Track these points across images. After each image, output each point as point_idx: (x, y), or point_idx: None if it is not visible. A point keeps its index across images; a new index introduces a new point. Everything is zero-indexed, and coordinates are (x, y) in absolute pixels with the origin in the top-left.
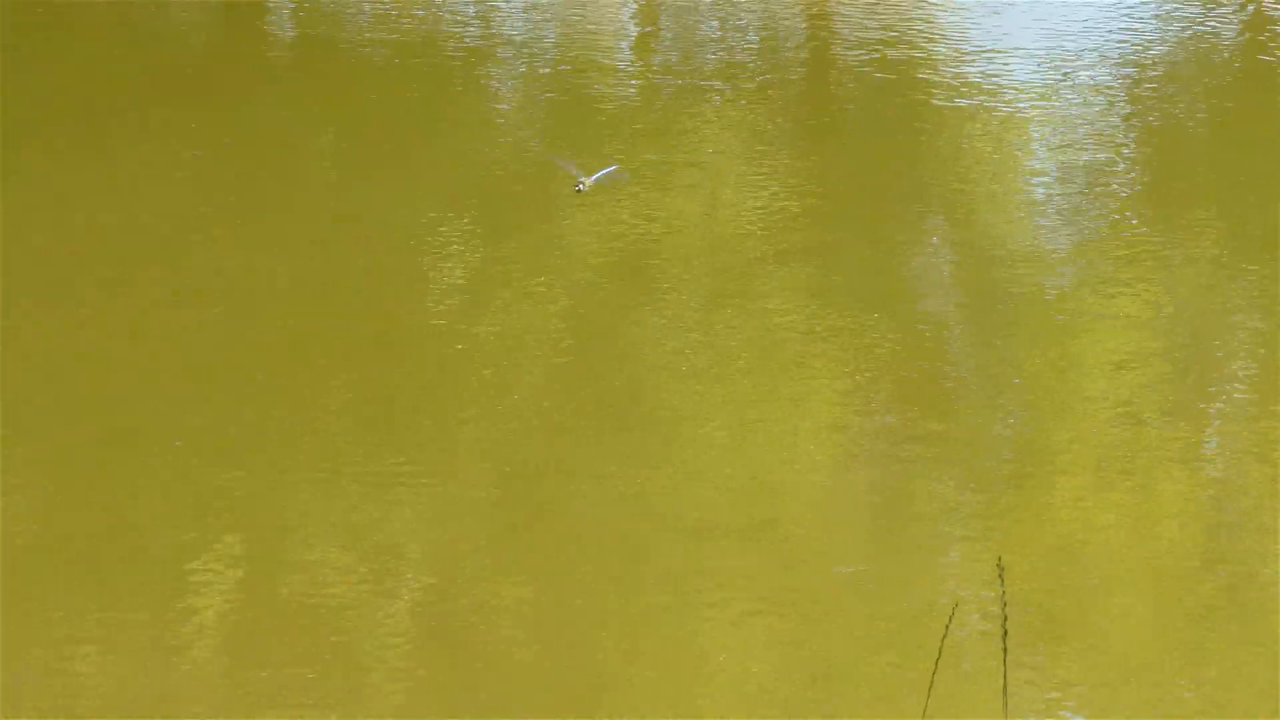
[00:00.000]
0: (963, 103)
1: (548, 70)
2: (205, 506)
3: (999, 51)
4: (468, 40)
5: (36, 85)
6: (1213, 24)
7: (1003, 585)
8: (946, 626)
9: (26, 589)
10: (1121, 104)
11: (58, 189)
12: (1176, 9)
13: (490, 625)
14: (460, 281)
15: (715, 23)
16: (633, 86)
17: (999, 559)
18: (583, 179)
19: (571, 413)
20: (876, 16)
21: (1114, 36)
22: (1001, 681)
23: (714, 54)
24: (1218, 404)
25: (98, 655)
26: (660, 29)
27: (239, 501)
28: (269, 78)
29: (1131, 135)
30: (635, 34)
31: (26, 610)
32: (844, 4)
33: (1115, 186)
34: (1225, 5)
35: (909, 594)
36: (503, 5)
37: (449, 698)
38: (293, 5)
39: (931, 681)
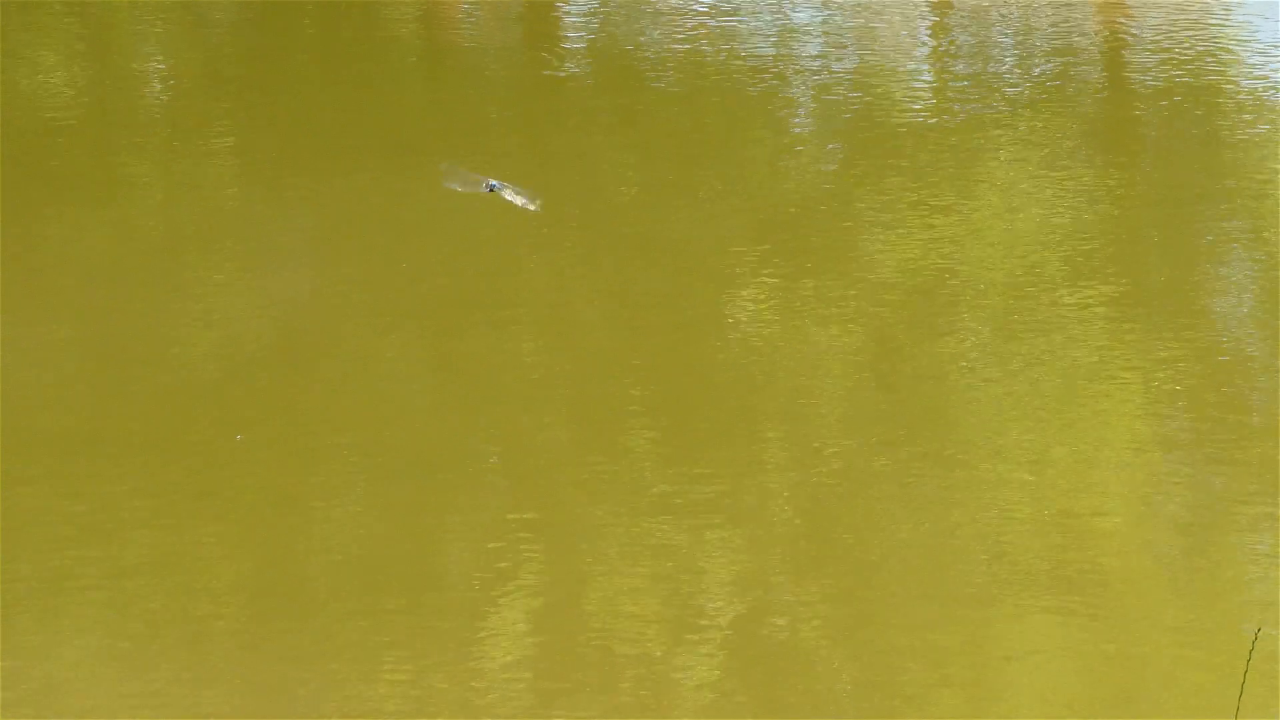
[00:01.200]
0: (1265, 103)
1: (841, 94)
2: (507, 530)
3: None
4: (762, 64)
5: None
6: None
7: None
8: (1251, 647)
9: (335, 603)
10: None
11: (379, 213)
12: None
13: (797, 643)
14: (757, 306)
15: (1007, 39)
16: (926, 106)
17: None
18: (495, 184)
19: (875, 435)
20: (1170, 21)
21: None
22: None
23: (1007, 70)
24: None
25: (401, 666)
26: (953, 51)
27: (540, 525)
28: (566, 102)
29: None
30: (928, 53)
31: (337, 623)
32: (1137, 14)
33: None
34: None
35: (1217, 609)
36: (798, 32)
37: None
38: (589, 36)
39: (1240, 692)
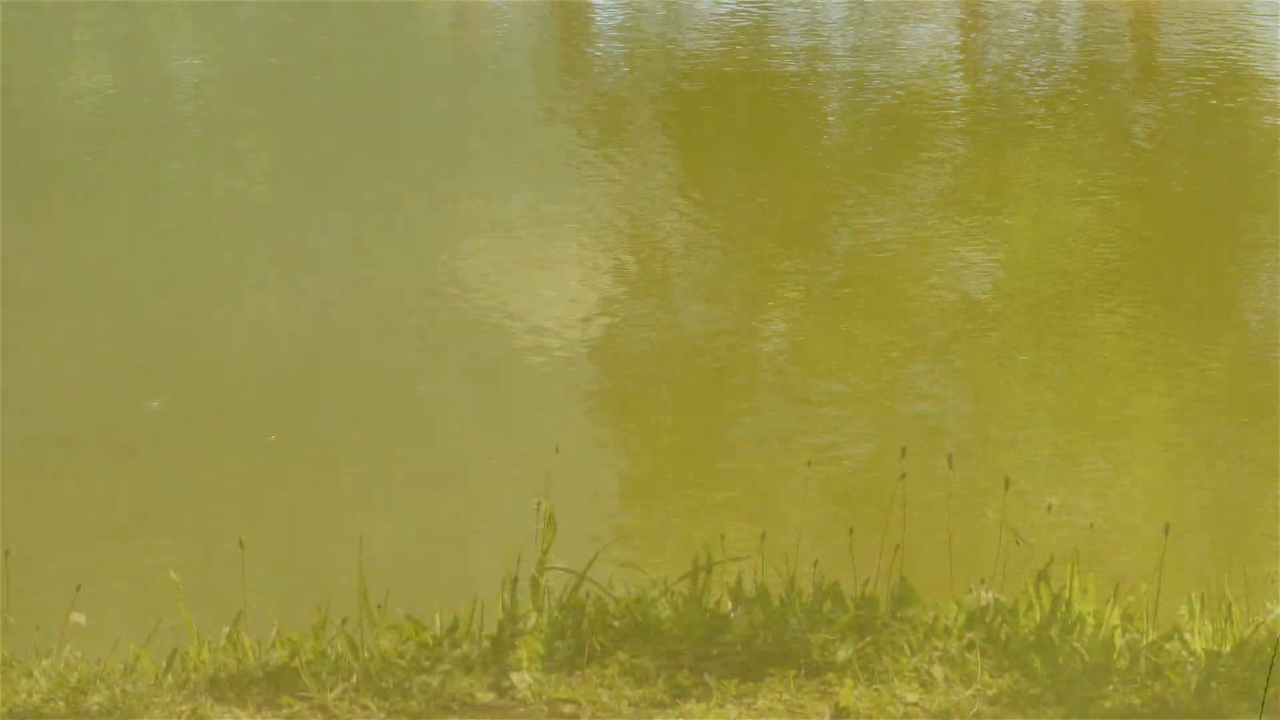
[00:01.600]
0: None
1: (872, 98)
2: (537, 532)
3: None
4: (794, 64)
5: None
6: None
7: None
8: (1274, 649)
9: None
10: None
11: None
12: None
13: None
14: (788, 309)
15: (1037, 39)
16: (956, 108)
17: None
18: None
19: (902, 438)
20: (1199, 27)
21: None
22: None
23: (1037, 70)
24: None
25: (433, 673)
26: (981, 53)
27: (568, 526)
28: (599, 105)
29: None
30: (957, 58)
31: (370, 627)
32: (1166, 18)
33: None
34: None
35: (1245, 611)
36: (828, 34)
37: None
38: (620, 39)
39: (1264, 695)
